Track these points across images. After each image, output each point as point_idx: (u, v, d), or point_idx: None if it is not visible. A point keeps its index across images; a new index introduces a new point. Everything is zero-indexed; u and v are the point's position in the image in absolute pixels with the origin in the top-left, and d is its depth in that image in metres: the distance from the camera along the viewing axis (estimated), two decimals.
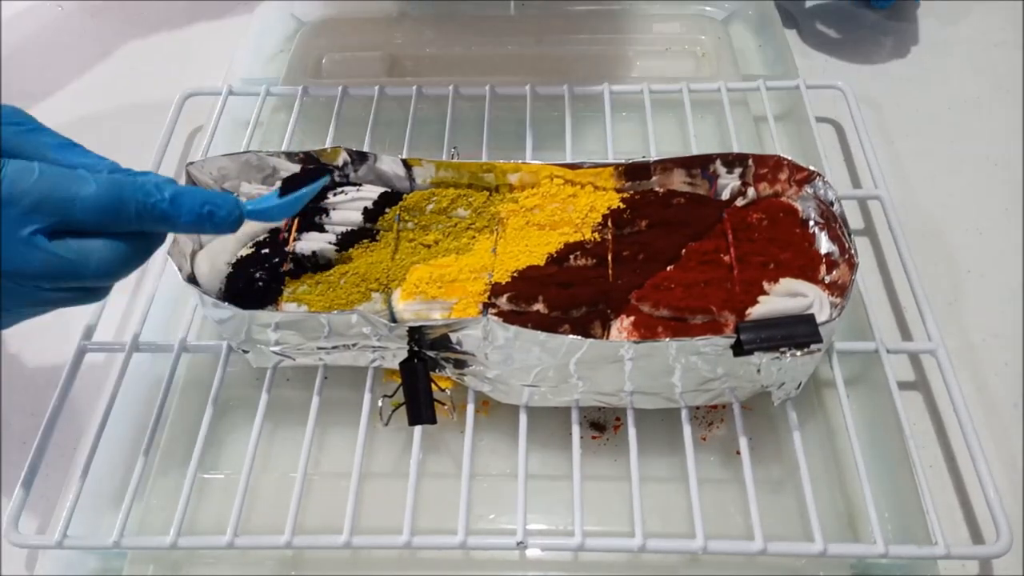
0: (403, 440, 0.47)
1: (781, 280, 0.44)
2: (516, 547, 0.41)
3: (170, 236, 0.43)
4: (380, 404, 0.47)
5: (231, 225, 0.38)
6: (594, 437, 0.48)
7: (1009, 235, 0.58)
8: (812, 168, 0.47)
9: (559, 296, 0.44)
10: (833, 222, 0.45)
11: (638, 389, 0.44)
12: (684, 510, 0.43)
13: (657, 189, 0.49)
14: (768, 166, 0.48)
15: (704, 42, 0.70)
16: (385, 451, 0.47)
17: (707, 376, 0.42)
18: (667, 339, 0.41)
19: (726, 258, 0.45)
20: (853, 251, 0.43)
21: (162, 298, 0.52)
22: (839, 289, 0.43)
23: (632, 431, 0.44)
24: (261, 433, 0.45)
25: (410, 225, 0.49)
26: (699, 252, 0.46)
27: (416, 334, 0.43)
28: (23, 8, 0.79)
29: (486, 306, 0.44)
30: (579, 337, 0.40)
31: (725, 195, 0.49)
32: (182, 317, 0.51)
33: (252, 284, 0.46)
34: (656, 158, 0.49)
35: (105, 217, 0.34)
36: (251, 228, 0.48)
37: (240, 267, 0.47)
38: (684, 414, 0.45)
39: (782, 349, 0.40)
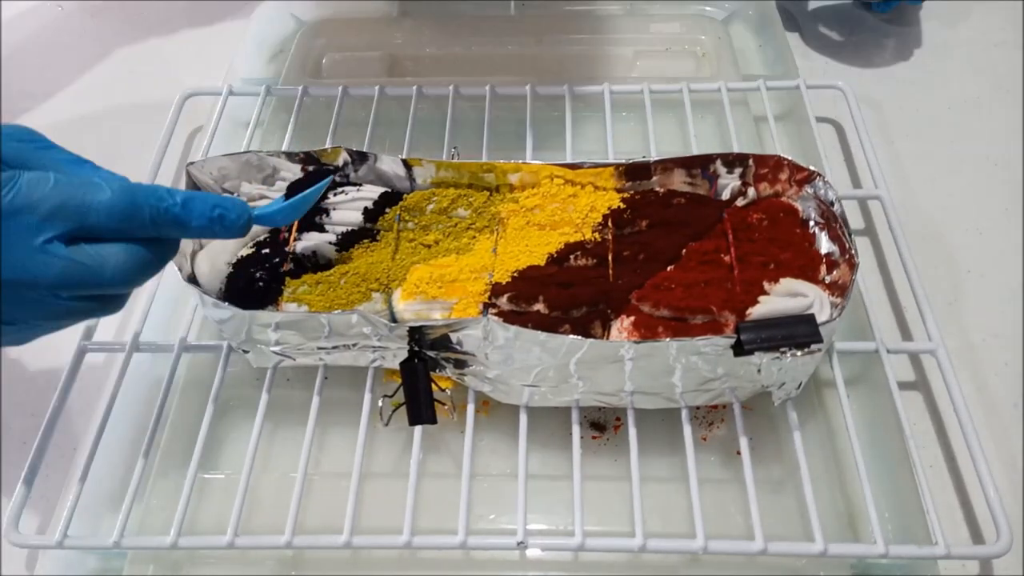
0: (403, 440, 0.47)
1: (781, 280, 0.44)
2: (516, 547, 0.41)
3: None
4: (380, 404, 0.47)
5: (240, 229, 0.38)
6: (594, 437, 0.48)
7: (1009, 235, 0.58)
8: (812, 168, 0.47)
9: (559, 296, 0.44)
10: (833, 222, 0.45)
11: (638, 389, 0.44)
12: (684, 510, 0.43)
13: (657, 189, 0.49)
14: (768, 166, 0.48)
15: (704, 42, 0.70)
16: (385, 451, 0.47)
17: (707, 376, 0.42)
18: (667, 339, 0.41)
19: (726, 258, 0.45)
20: (853, 251, 0.43)
21: (162, 298, 0.52)
22: (839, 289, 0.43)
23: (632, 431, 0.44)
24: (261, 433, 0.45)
25: (410, 225, 0.49)
26: (699, 252, 0.46)
27: (416, 334, 0.43)
28: (23, 8, 0.79)
29: (486, 306, 0.44)
30: (579, 337, 0.40)
31: (725, 195, 0.49)
32: (182, 317, 0.51)
33: (252, 284, 0.46)
34: (656, 158, 0.49)
35: (120, 222, 0.34)
36: (251, 228, 0.48)
37: (240, 267, 0.47)
38: (684, 414, 0.45)
39: (782, 349, 0.40)
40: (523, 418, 0.45)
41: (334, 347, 0.45)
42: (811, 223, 0.46)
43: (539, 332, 0.40)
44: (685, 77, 0.63)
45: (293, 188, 0.49)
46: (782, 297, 0.43)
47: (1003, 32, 0.72)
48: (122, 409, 0.47)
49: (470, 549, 0.42)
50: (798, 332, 0.40)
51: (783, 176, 0.48)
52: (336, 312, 0.43)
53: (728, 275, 0.45)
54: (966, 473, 0.47)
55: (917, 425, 0.49)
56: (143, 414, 0.48)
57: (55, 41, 0.77)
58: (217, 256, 0.47)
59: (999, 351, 0.52)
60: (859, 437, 0.43)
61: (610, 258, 0.46)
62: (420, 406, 0.43)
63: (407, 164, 0.50)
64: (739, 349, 0.40)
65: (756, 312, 0.42)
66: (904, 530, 0.43)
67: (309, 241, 0.48)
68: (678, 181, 0.49)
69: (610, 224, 0.48)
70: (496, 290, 0.45)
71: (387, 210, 0.49)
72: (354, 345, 0.45)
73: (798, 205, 0.47)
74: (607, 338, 0.43)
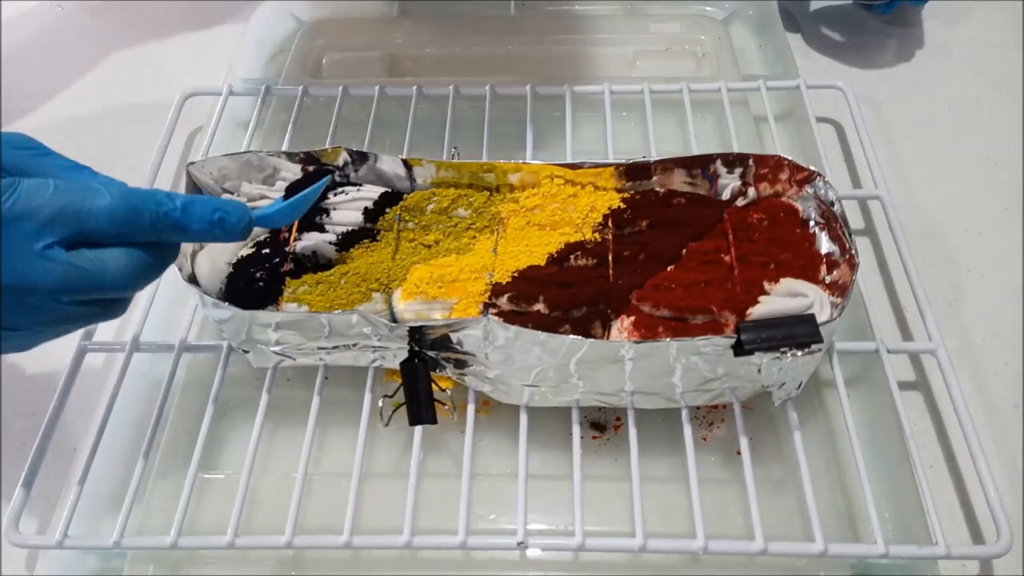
0: (403, 440, 0.47)
1: (782, 280, 0.44)
2: (516, 547, 0.41)
3: None
4: (380, 404, 0.47)
5: (241, 232, 0.38)
6: (594, 437, 0.48)
7: (1009, 235, 0.58)
8: (812, 168, 0.47)
9: (560, 296, 0.44)
10: (833, 222, 0.45)
11: (639, 389, 0.44)
12: (685, 510, 0.43)
13: (657, 189, 0.49)
14: (768, 166, 0.48)
15: (704, 42, 0.70)
16: (385, 451, 0.47)
17: (708, 376, 0.42)
18: (668, 339, 0.41)
19: (727, 258, 0.45)
20: (853, 251, 0.43)
21: (162, 298, 0.52)
22: (840, 289, 0.43)
23: (632, 431, 0.44)
24: (261, 433, 0.45)
25: (411, 225, 0.49)
26: (699, 252, 0.46)
27: (416, 334, 0.43)
28: (23, 8, 0.79)
29: (486, 306, 0.44)
30: (579, 337, 0.40)
31: (725, 195, 0.49)
32: (182, 317, 0.51)
33: (252, 284, 0.46)
34: (656, 158, 0.49)
35: (120, 227, 0.35)
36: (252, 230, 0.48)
37: (240, 267, 0.47)
38: (685, 414, 0.45)
39: (783, 349, 0.40)
40: (523, 418, 0.45)
41: (334, 347, 0.45)
42: (811, 223, 0.46)
43: (539, 332, 0.40)
44: (685, 77, 0.63)
45: (292, 188, 0.49)
46: (782, 297, 0.43)
47: (1003, 32, 0.72)
48: (122, 409, 0.47)
49: (470, 549, 0.42)
50: (798, 332, 0.40)
51: (783, 176, 0.48)
52: (336, 312, 0.43)
53: (728, 275, 0.45)
54: (966, 473, 0.46)
55: (917, 425, 0.49)
56: (143, 414, 0.48)
57: (55, 41, 0.77)
58: (217, 256, 0.47)
59: (999, 351, 0.52)
60: (859, 437, 0.43)
61: (610, 258, 0.46)
62: (420, 406, 0.43)
63: (407, 164, 0.50)
64: (739, 349, 0.40)
65: (756, 312, 0.42)
66: (904, 530, 0.43)
67: (309, 241, 0.48)
68: (678, 181, 0.49)
69: (610, 224, 0.48)
70: (496, 290, 0.45)
71: (387, 210, 0.49)
72: (354, 345, 0.45)
73: (798, 205, 0.47)
74: (607, 338, 0.43)
